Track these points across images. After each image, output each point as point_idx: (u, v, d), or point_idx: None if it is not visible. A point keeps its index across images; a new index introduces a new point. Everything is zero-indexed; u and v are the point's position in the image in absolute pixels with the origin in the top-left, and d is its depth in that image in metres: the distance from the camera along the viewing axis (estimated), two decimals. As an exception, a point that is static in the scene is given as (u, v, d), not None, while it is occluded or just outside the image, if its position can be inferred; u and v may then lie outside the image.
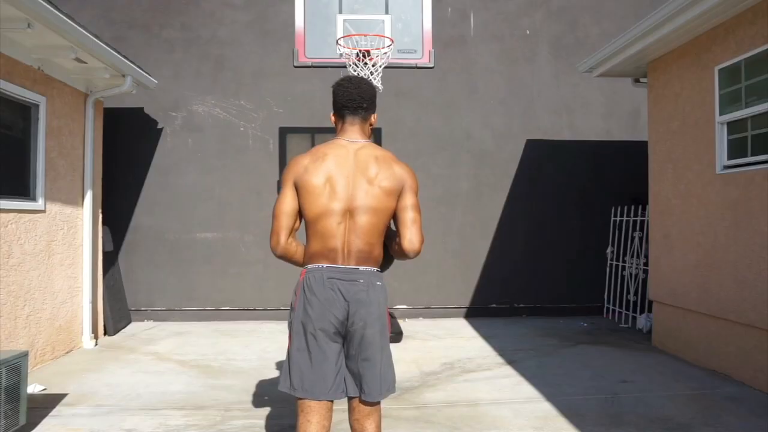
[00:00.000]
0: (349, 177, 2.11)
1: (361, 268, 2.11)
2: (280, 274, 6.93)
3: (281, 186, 2.19)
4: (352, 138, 2.22)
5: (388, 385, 2.17)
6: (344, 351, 2.15)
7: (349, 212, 2.10)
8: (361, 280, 2.10)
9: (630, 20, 7.08)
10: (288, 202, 2.14)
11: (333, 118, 2.35)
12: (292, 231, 2.17)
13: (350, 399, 2.17)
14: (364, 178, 2.11)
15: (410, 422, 3.49)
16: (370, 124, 2.31)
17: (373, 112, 2.30)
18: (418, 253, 2.15)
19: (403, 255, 2.17)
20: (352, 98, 2.22)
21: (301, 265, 2.23)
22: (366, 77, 5.21)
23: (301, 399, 2.11)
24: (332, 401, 2.13)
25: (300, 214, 2.16)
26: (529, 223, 7.20)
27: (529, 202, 7.20)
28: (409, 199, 2.16)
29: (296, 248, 2.20)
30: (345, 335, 2.12)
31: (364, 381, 2.11)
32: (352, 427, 2.20)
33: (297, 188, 2.14)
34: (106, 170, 6.17)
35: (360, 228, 2.10)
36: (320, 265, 2.12)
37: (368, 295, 2.10)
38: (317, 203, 2.09)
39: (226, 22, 7.09)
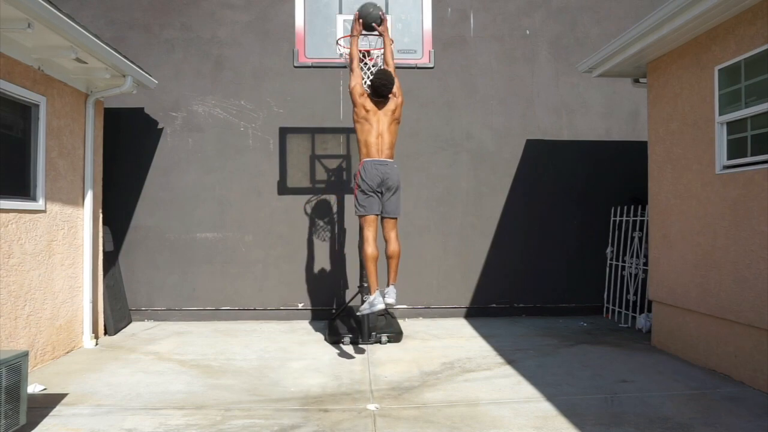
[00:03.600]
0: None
1: (388, 160, 4.75)
2: (280, 274, 6.95)
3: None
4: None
5: (399, 210, 4.83)
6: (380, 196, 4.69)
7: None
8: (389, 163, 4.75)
9: (630, 20, 7.10)
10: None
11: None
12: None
13: (383, 219, 4.75)
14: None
15: (410, 422, 3.49)
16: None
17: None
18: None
19: None
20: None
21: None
22: (365, 77, 5.24)
23: (364, 215, 4.67)
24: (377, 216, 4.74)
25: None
26: (529, 223, 7.20)
27: (529, 202, 7.21)
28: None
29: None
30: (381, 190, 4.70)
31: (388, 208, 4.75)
32: (383, 235, 4.79)
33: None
34: (106, 170, 6.18)
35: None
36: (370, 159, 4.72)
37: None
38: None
39: (226, 22, 7.09)
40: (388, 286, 4.60)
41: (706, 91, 4.72)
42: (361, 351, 5.32)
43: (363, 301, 4.57)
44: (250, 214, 6.95)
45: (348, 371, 4.64)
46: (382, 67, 4.94)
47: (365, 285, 5.64)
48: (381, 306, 4.33)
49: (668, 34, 4.77)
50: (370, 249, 4.55)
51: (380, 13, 4.90)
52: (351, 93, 4.80)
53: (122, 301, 6.52)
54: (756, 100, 4.16)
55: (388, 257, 4.69)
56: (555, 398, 3.90)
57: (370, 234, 4.59)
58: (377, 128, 4.71)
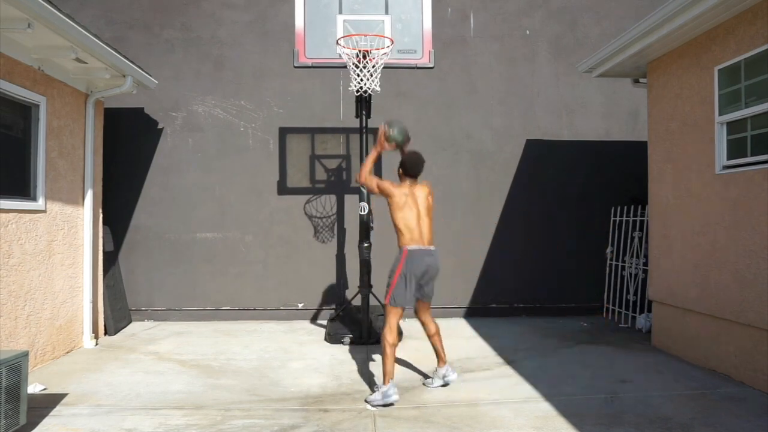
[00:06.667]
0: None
1: (435, 249, 4.21)
2: (280, 274, 6.95)
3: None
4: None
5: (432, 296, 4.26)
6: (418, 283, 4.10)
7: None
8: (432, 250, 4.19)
9: (630, 20, 7.09)
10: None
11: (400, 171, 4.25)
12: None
13: (419, 301, 4.20)
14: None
15: (410, 422, 3.49)
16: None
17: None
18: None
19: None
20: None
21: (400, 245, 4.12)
22: (365, 77, 5.23)
23: (395, 307, 4.03)
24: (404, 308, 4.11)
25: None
26: (528, 223, 7.20)
27: (529, 202, 7.21)
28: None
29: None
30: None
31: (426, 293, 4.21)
32: (419, 318, 4.32)
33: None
34: (106, 170, 6.18)
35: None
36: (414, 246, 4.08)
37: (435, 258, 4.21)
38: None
39: (226, 23, 7.09)
40: (442, 366, 4.21)
41: (706, 91, 4.72)
42: (361, 351, 5.32)
43: (373, 391, 4.06)
44: (250, 214, 6.95)
45: (348, 371, 4.64)
46: (413, 151, 4.29)
47: (366, 285, 5.64)
48: (395, 398, 3.79)
49: (668, 34, 4.76)
50: (392, 337, 3.94)
51: (407, 134, 4.28)
52: (380, 189, 4.13)
53: (122, 301, 6.52)
54: (756, 100, 4.16)
55: (431, 336, 4.21)
56: (555, 398, 3.90)
57: (394, 322, 3.99)
58: (416, 212, 4.09)
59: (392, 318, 3.98)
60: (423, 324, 4.28)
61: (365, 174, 4.20)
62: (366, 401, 3.88)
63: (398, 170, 4.23)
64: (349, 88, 5.37)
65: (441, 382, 4.22)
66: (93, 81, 5.54)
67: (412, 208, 4.06)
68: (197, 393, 4.07)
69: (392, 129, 4.17)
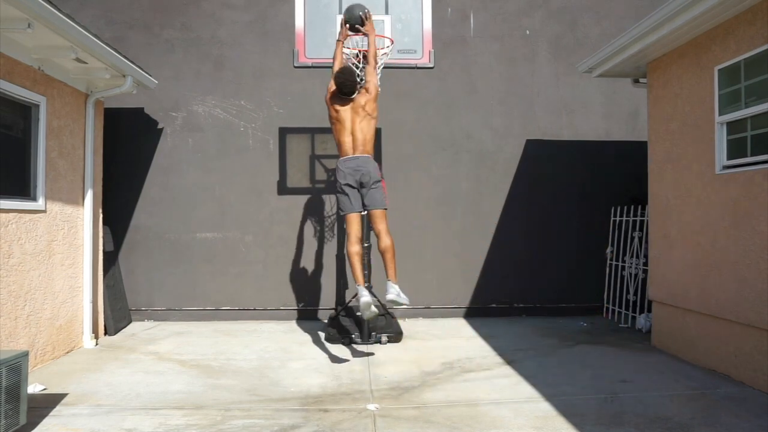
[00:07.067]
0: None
1: (362, 155, 4.63)
2: (280, 274, 6.95)
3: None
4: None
5: (384, 203, 4.63)
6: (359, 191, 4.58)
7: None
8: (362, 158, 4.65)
9: (630, 20, 7.09)
10: None
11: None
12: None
13: (370, 211, 4.64)
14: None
15: (410, 422, 3.49)
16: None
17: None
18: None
19: None
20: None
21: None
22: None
23: (345, 214, 4.64)
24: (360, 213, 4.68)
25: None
26: (528, 223, 7.20)
27: (529, 202, 7.21)
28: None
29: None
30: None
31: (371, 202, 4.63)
32: (373, 230, 4.70)
33: None
34: (106, 170, 6.18)
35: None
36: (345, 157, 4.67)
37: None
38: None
39: (226, 23, 7.09)
40: (387, 281, 4.56)
41: (706, 91, 4.72)
42: (361, 351, 5.32)
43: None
44: (250, 214, 6.95)
45: (348, 371, 4.64)
46: (347, 65, 4.91)
47: (365, 285, 5.64)
48: (366, 299, 4.25)
49: (668, 34, 4.76)
50: (350, 247, 4.50)
51: (363, 12, 4.86)
52: (327, 102, 4.83)
53: (122, 301, 6.52)
54: (756, 101, 4.16)
55: (381, 253, 4.58)
56: (555, 398, 3.90)
57: (351, 231, 4.53)
58: (349, 127, 4.69)
59: (348, 228, 4.61)
60: (376, 236, 4.62)
61: (334, 69, 4.76)
62: (357, 313, 4.42)
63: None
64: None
65: (393, 296, 4.39)
66: (93, 81, 5.54)
67: (343, 123, 4.59)
68: (197, 393, 4.07)
69: (345, 13, 4.77)
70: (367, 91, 4.78)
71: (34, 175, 4.79)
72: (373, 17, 5.49)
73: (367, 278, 5.68)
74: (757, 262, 4.10)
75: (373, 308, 4.35)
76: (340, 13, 5.53)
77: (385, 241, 4.50)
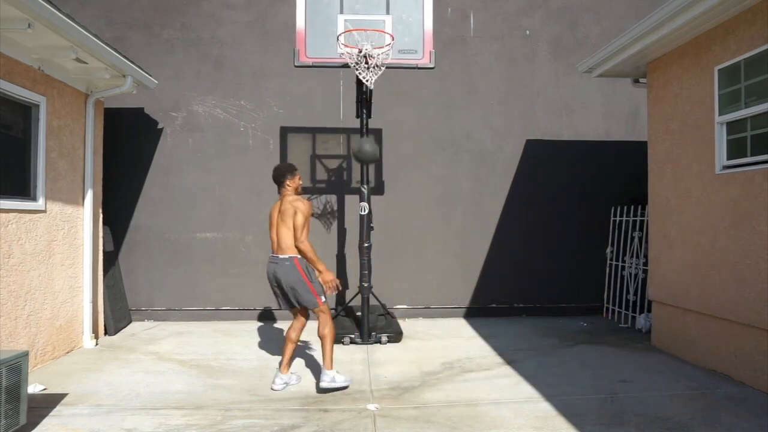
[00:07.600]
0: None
1: (279, 256, 4.12)
2: (280, 274, 6.94)
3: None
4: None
5: (312, 303, 4.10)
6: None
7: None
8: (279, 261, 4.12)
9: (630, 20, 7.10)
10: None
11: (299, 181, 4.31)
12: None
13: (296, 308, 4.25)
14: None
15: (410, 422, 3.49)
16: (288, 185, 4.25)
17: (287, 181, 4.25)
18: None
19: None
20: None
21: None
22: (367, 78, 5.24)
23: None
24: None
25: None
26: (528, 223, 7.20)
27: (529, 202, 7.21)
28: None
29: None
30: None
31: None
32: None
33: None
34: (106, 170, 6.18)
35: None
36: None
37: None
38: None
39: (226, 23, 7.09)
40: (323, 368, 4.14)
41: (706, 91, 4.72)
42: (361, 351, 5.32)
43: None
44: (250, 214, 6.95)
45: (348, 371, 4.63)
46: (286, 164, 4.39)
47: (365, 285, 5.65)
48: (277, 386, 4.13)
49: (668, 34, 4.77)
50: (288, 330, 4.25)
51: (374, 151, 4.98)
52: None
53: (122, 301, 6.52)
54: (756, 100, 4.16)
55: (287, 341, 4.24)
56: (555, 398, 3.90)
57: (292, 323, 4.26)
58: (272, 222, 4.21)
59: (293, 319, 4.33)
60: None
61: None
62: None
63: None
64: (358, 74, 5.34)
65: (281, 386, 4.17)
66: (93, 81, 5.54)
67: (272, 221, 4.21)
68: (197, 393, 4.07)
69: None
70: (286, 195, 4.21)
71: (34, 175, 4.79)
72: (374, 17, 5.50)
73: (367, 278, 5.68)
74: (757, 262, 4.10)
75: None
76: (341, 12, 5.54)
77: (322, 330, 4.06)
